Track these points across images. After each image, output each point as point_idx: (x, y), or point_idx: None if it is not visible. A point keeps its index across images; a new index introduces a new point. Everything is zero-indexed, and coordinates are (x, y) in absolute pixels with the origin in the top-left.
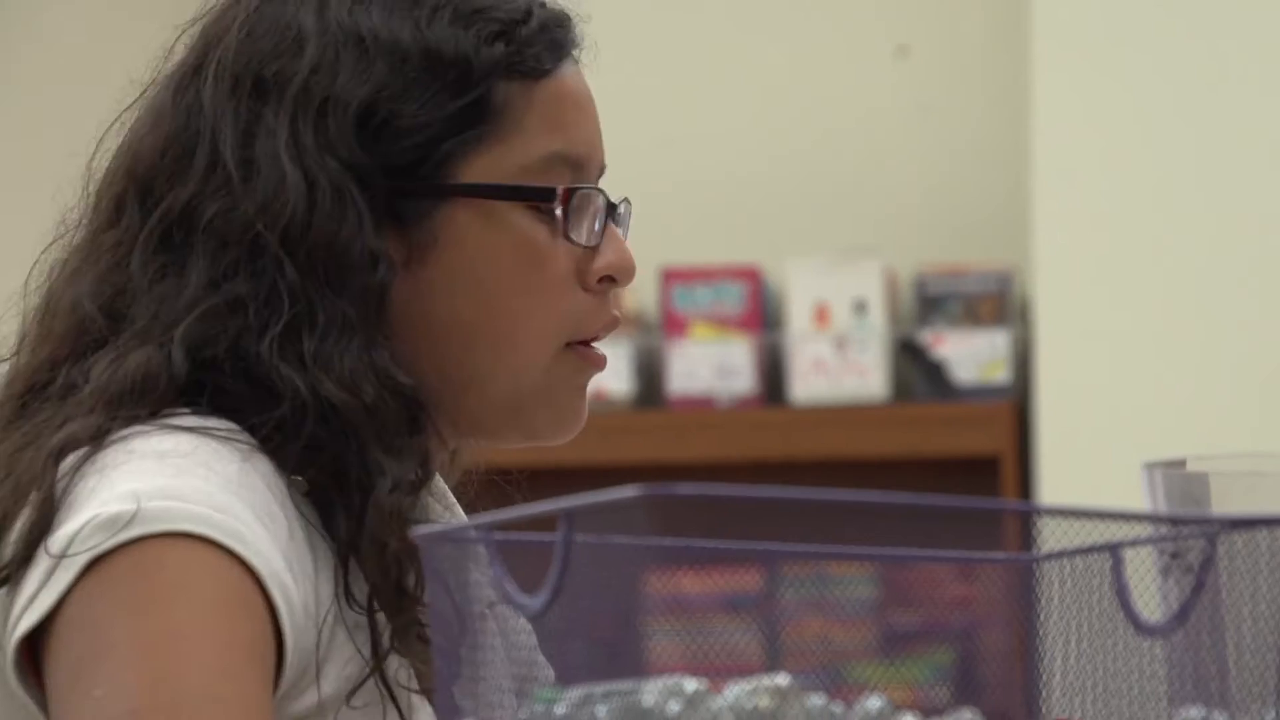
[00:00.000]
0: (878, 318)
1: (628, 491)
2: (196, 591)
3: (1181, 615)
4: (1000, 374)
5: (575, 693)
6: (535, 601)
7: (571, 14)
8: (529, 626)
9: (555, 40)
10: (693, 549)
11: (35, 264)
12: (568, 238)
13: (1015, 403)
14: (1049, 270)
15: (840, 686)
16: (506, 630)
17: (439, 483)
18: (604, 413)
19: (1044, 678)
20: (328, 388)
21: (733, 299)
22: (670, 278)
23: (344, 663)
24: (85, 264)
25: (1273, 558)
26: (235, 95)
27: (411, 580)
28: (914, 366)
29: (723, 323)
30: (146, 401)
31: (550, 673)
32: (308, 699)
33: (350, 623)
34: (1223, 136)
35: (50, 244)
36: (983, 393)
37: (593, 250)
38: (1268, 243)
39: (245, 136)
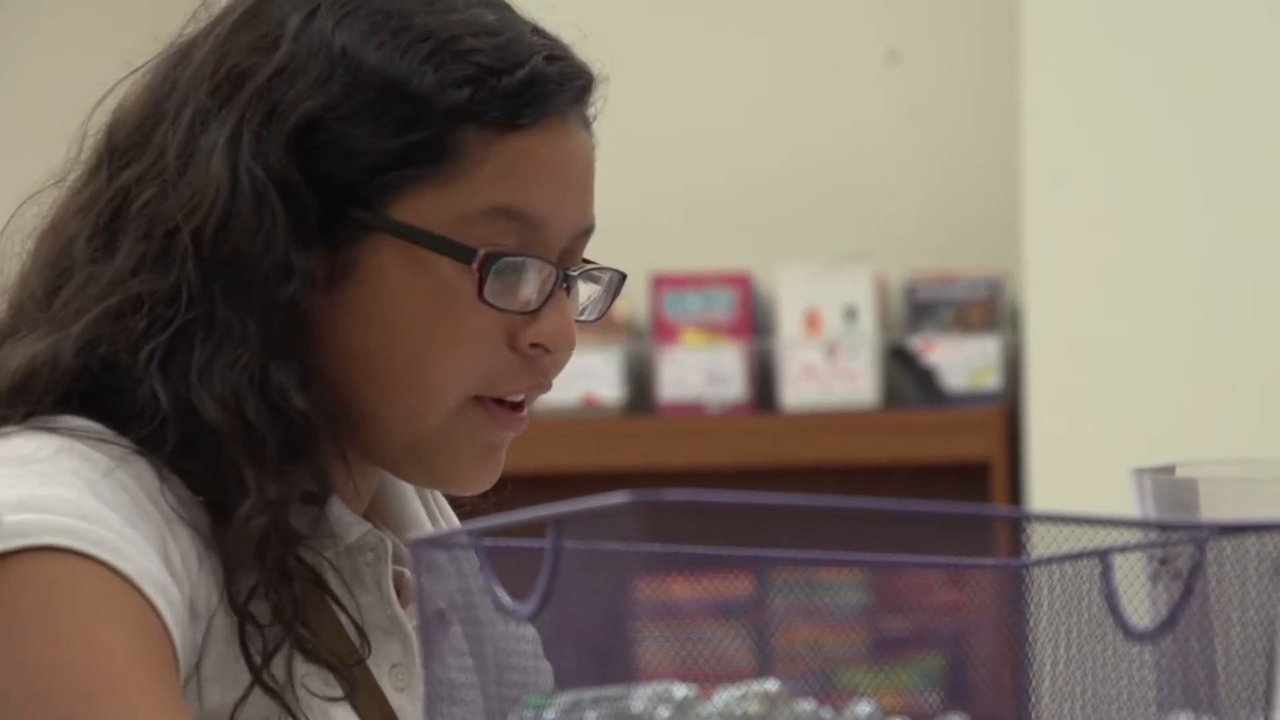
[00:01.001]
0: (868, 324)
1: (617, 497)
2: (66, 612)
3: (1170, 621)
4: (990, 380)
5: (565, 698)
6: (525, 607)
7: (584, 72)
8: (530, 634)
9: (542, 96)
10: (683, 555)
11: (14, 215)
12: (485, 300)
13: (1005, 409)
14: (1039, 276)
15: (830, 692)
16: (489, 637)
17: (399, 498)
18: (594, 419)
19: (1033, 683)
20: (204, 404)
21: (723, 305)
22: (661, 284)
23: (235, 673)
24: (52, 227)
25: (1261, 564)
26: (206, 81)
27: (286, 601)
28: (904, 373)
29: (713, 329)
30: (25, 400)
31: (550, 680)
32: (190, 707)
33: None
34: (1215, 141)
35: (33, 195)
36: (973, 399)
37: (532, 315)
38: (1260, 248)
39: (196, 126)
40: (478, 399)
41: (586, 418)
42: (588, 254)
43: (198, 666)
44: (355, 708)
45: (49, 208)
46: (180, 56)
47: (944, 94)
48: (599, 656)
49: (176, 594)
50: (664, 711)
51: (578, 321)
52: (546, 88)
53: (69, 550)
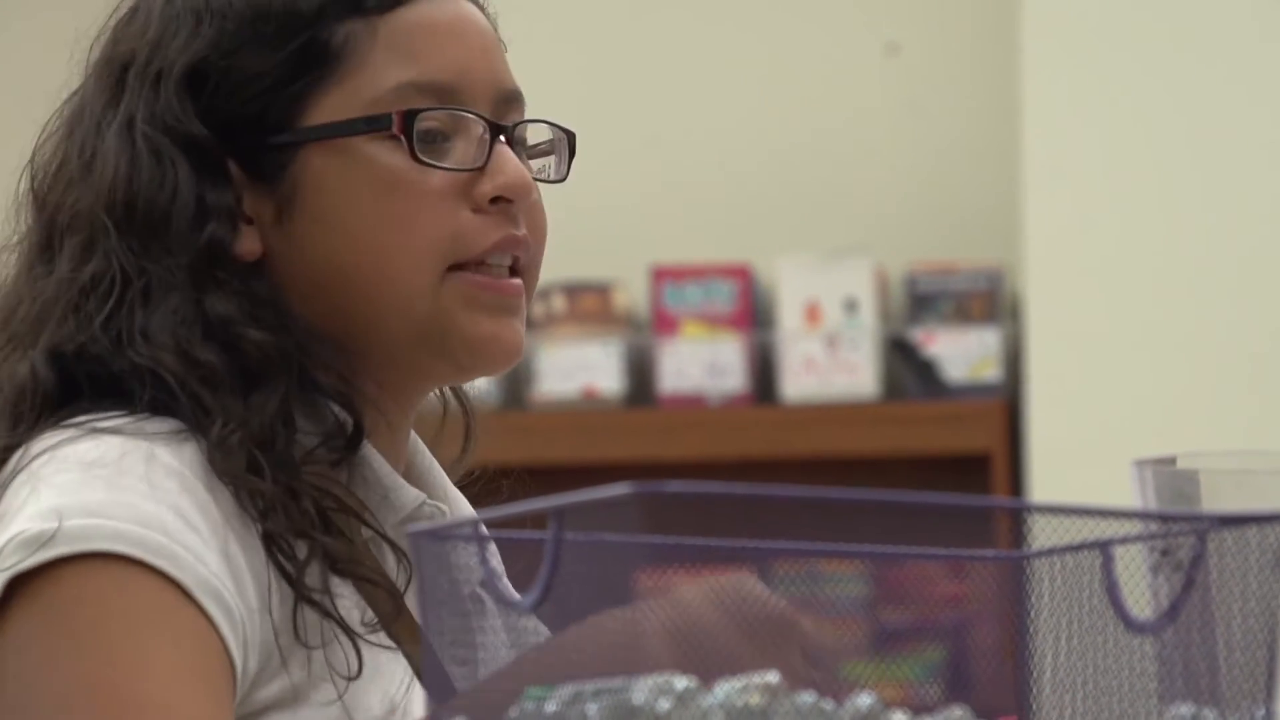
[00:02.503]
0: (868, 316)
1: (618, 489)
2: (119, 622)
3: (1172, 612)
4: (991, 372)
5: (566, 690)
6: (526, 600)
7: None
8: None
9: None
10: (683, 547)
11: None
12: (418, 160)
13: (1006, 401)
14: (1039, 268)
15: (832, 685)
16: (515, 628)
17: (425, 467)
18: (594, 411)
19: (1034, 675)
20: (160, 359)
21: (723, 297)
22: (661, 276)
23: (298, 656)
24: (10, 285)
25: (1262, 555)
26: (98, 90)
27: (297, 513)
28: (905, 365)
29: (713, 321)
30: (26, 417)
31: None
32: (272, 688)
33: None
34: (1214, 134)
35: None
36: (973, 391)
37: (478, 172)
38: (1259, 240)
39: (97, 127)
40: (458, 269)
41: (587, 410)
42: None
43: (279, 652)
44: (392, 635)
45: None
46: (79, 96)
47: (943, 86)
48: None
49: (235, 599)
50: (665, 703)
51: (541, 181)
52: None
53: (127, 558)
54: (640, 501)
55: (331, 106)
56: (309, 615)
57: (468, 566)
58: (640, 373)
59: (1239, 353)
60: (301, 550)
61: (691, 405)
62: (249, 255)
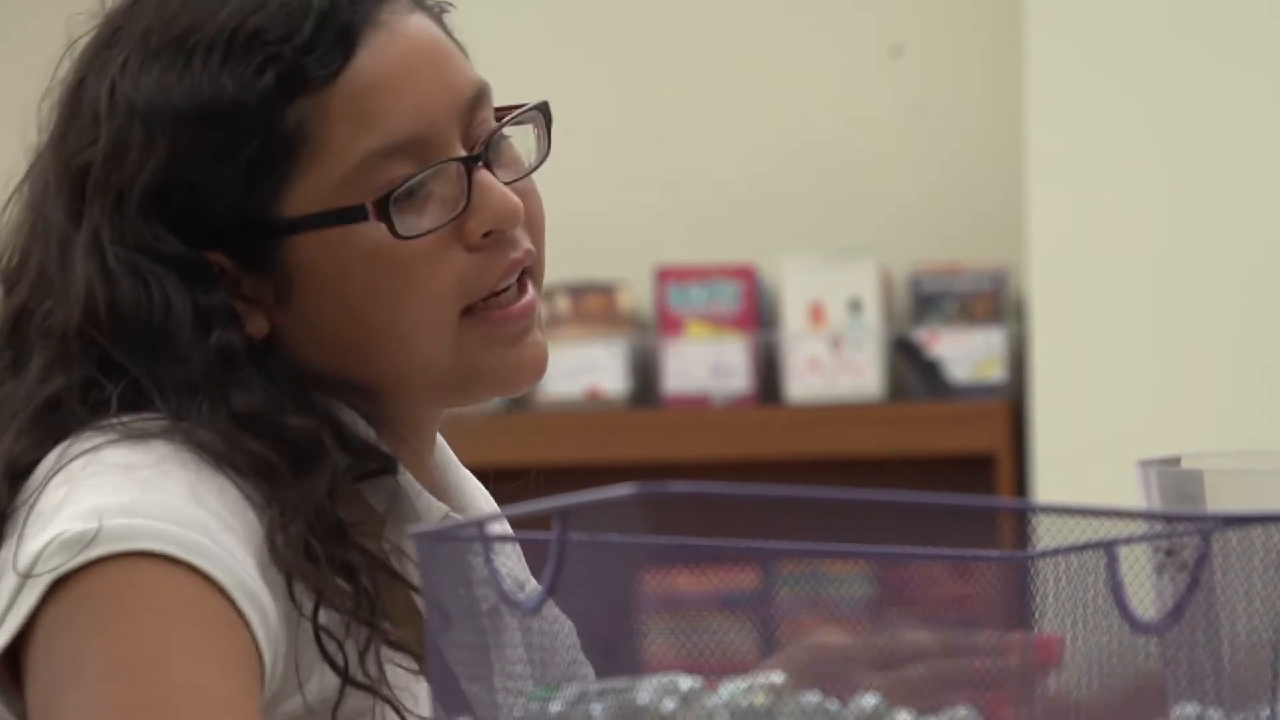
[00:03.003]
0: (873, 316)
1: (622, 490)
2: (158, 612)
3: (1176, 613)
4: (995, 372)
5: (570, 690)
6: (530, 601)
7: None
8: (570, 627)
9: (343, 28)
10: (688, 547)
11: None
12: (402, 237)
13: (1010, 401)
14: (1044, 268)
15: (836, 684)
16: (533, 630)
17: (456, 479)
18: (599, 412)
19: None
20: (203, 438)
21: (728, 298)
22: (665, 277)
23: (324, 668)
24: None
25: (1267, 555)
26: (58, 190)
27: (359, 596)
28: (909, 365)
29: (718, 322)
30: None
31: (590, 670)
32: (293, 702)
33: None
34: (1219, 134)
35: None
36: (978, 391)
37: (467, 210)
38: (1264, 241)
39: (62, 238)
40: (469, 312)
41: (591, 410)
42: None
43: (296, 670)
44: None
45: None
46: (35, 167)
47: (947, 87)
48: (604, 649)
49: (270, 604)
50: (669, 703)
51: (533, 171)
52: (340, 16)
53: (166, 556)
54: (644, 502)
55: (304, 194)
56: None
57: (485, 579)
58: (645, 373)
59: (1244, 353)
60: (361, 636)
61: (696, 406)
62: (259, 333)
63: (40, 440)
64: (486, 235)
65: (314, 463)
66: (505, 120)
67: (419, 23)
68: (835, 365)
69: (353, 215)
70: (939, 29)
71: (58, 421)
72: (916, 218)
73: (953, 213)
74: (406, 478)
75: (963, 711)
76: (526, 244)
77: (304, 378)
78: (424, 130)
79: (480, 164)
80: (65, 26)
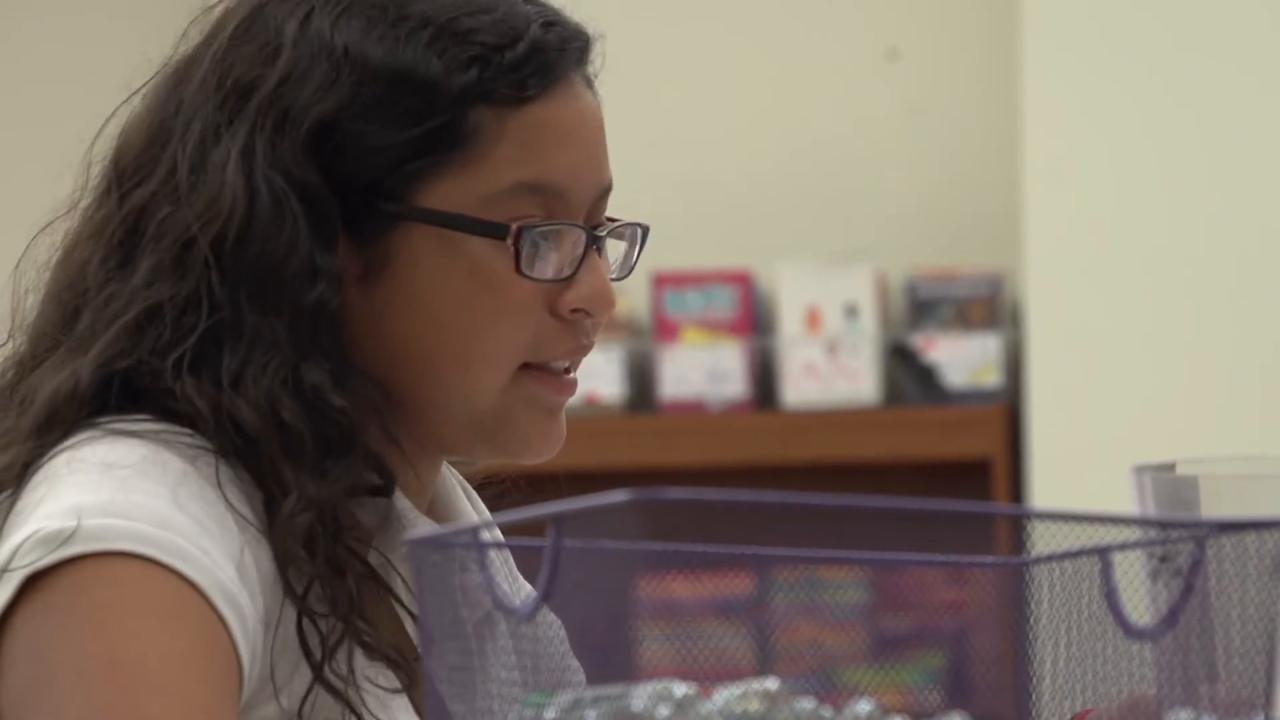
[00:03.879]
0: (869, 322)
1: (617, 496)
2: (133, 612)
3: (1170, 618)
4: (991, 378)
5: (565, 697)
6: (524, 607)
7: (581, 33)
8: (561, 633)
9: (546, 65)
10: (683, 553)
11: (28, 247)
12: (522, 274)
13: (1006, 406)
14: (1040, 274)
15: (832, 691)
16: (523, 635)
17: (449, 493)
18: (595, 417)
19: (1034, 681)
20: (239, 407)
21: (724, 303)
22: (661, 282)
23: (304, 676)
24: (65, 255)
25: (1261, 561)
26: (212, 96)
27: (342, 593)
28: (905, 370)
29: (714, 327)
30: (56, 430)
31: (582, 676)
32: (269, 709)
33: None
34: (1215, 138)
35: (45, 226)
36: (974, 396)
37: (568, 281)
38: (1261, 246)
39: (208, 140)
40: (526, 368)
41: (587, 416)
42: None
43: (272, 675)
44: (414, 702)
45: (61, 239)
46: (180, 76)
47: (944, 91)
48: (599, 655)
49: (248, 607)
50: (664, 710)
51: (618, 280)
52: (548, 55)
53: (144, 557)
54: (640, 508)
55: (446, 191)
56: (320, 694)
57: (475, 588)
58: (641, 379)
59: (1240, 358)
60: (336, 631)
61: (692, 411)
62: (351, 314)
63: (136, 345)
64: (575, 311)
65: (344, 452)
66: (622, 223)
67: (593, 100)
68: (831, 370)
69: (492, 230)
70: (936, 32)
71: (155, 334)
72: (913, 223)
73: (949, 217)
74: (403, 502)
75: (956, 717)
76: (594, 338)
77: (357, 368)
78: (570, 188)
79: (598, 246)
80: None
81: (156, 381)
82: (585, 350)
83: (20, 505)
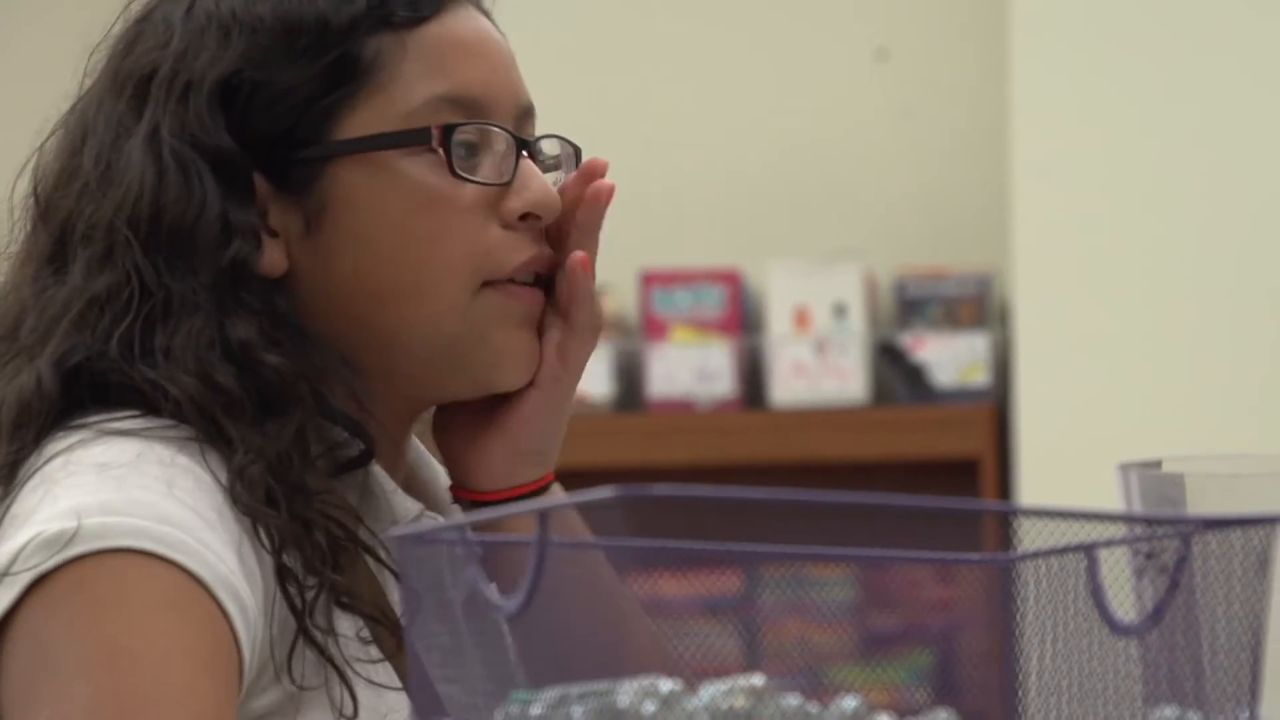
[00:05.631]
0: (857, 321)
1: (604, 492)
2: (136, 605)
3: (1156, 615)
4: (980, 377)
5: (551, 693)
6: (511, 603)
7: None
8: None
9: None
10: (670, 550)
11: None
12: (457, 175)
13: (994, 405)
14: (1028, 273)
15: (819, 689)
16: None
17: (430, 475)
18: (584, 416)
19: (1020, 678)
20: (179, 380)
21: (712, 302)
22: (650, 281)
23: (299, 659)
24: (1, 294)
25: (1246, 558)
26: (115, 99)
27: (310, 547)
28: (894, 369)
29: (703, 326)
30: (31, 426)
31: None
32: (270, 694)
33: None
34: (1203, 138)
35: None
36: (962, 395)
37: (506, 188)
38: (1249, 245)
39: (118, 136)
40: (490, 285)
41: (576, 415)
42: None
43: (273, 655)
44: (397, 669)
45: None
46: (84, 104)
47: (933, 91)
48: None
49: (249, 597)
50: (650, 706)
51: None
52: None
53: (145, 552)
54: (626, 505)
55: (363, 120)
56: (308, 653)
57: (459, 574)
58: (629, 378)
59: (1227, 357)
60: (310, 586)
61: (681, 410)
62: (274, 271)
63: (90, 338)
64: (523, 218)
65: (282, 406)
66: (550, 135)
67: (494, 26)
68: (820, 369)
69: (415, 138)
70: (925, 33)
71: (101, 324)
72: (901, 222)
73: (938, 217)
74: (379, 474)
75: (943, 714)
76: (549, 250)
77: (307, 327)
78: (486, 96)
79: (526, 152)
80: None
81: (114, 370)
82: (544, 261)
83: (16, 509)
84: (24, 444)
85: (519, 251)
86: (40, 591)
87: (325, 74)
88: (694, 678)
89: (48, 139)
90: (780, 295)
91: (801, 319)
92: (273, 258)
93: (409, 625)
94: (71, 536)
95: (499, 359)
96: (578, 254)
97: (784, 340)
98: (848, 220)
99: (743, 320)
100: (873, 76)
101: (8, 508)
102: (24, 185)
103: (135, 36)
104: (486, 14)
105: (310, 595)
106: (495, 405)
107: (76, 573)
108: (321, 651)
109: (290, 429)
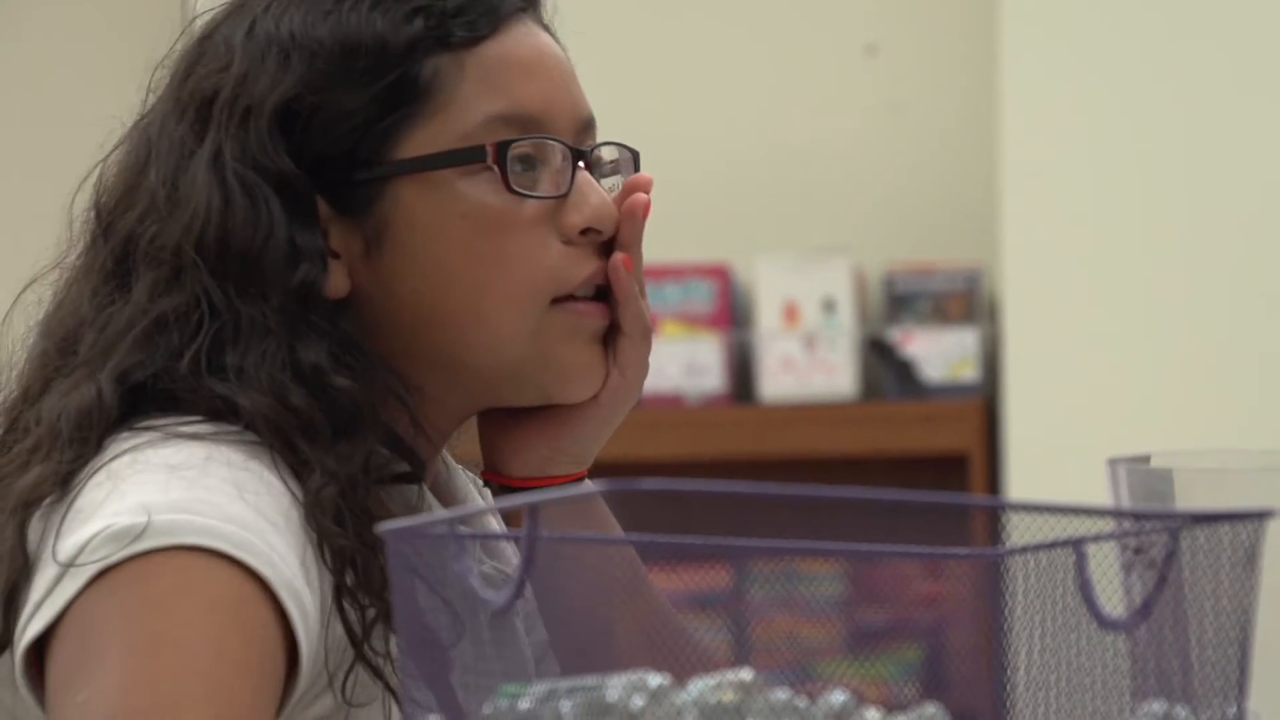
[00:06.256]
0: (846, 316)
1: (592, 486)
2: (190, 599)
3: (1144, 610)
4: (969, 372)
5: (540, 687)
6: (500, 597)
7: None
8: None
9: (491, 6)
10: (659, 545)
11: (15, 301)
12: (513, 191)
13: (983, 401)
14: (1017, 268)
15: (808, 683)
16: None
17: (459, 480)
18: None
19: (1009, 673)
20: (254, 400)
21: (702, 297)
22: None
23: (349, 656)
24: (56, 305)
25: (1235, 553)
26: (178, 120)
27: (374, 571)
28: (883, 365)
29: (692, 321)
30: (92, 438)
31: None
32: (322, 702)
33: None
34: (1193, 134)
35: (31, 281)
36: (951, 391)
37: (564, 200)
38: (1236, 240)
39: (181, 160)
40: (555, 303)
41: None
42: None
43: (326, 665)
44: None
45: (50, 294)
46: (147, 122)
47: (922, 87)
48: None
49: (310, 603)
50: (639, 700)
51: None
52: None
53: (213, 551)
54: (615, 499)
55: (421, 141)
56: (361, 674)
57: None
58: None
59: (1216, 353)
60: (367, 605)
61: (669, 405)
62: (338, 292)
63: (151, 358)
64: (584, 233)
65: (352, 429)
66: (610, 142)
67: (552, 40)
68: (809, 365)
69: (470, 155)
70: (914, 28)
71: (165, 343)
72: (891, 217)
73: (927, 213)
74: (428, 494)
75: (931, 709)
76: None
77: (371, 348)
78: (544, 113)
79: (583, 163)
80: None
81: (183, 386)
82: (602, 274)
83: (82, 503)
84: (81, 454)
85: (581, 267)
86: (102, 582)
87: (384, 96)
88: (684, 673)
89: (111, 153)
90: (769, 290)
91: (790, 314)
92: (337, 280)
93: (398, 618)
94: (141, 531)
95: (567, 375)
96: (618, 255)
97: (773, 335)
98: (837, 215)
99: (732, 315)
100: (862, 72)
101: (70, 502)
102: (88, 200)
103: (197, 57)
104: (546, 27)
105: (370, 618)
106: (551, 408)
107: (142, 567)
108: (378, 674)
109: (361, 452)
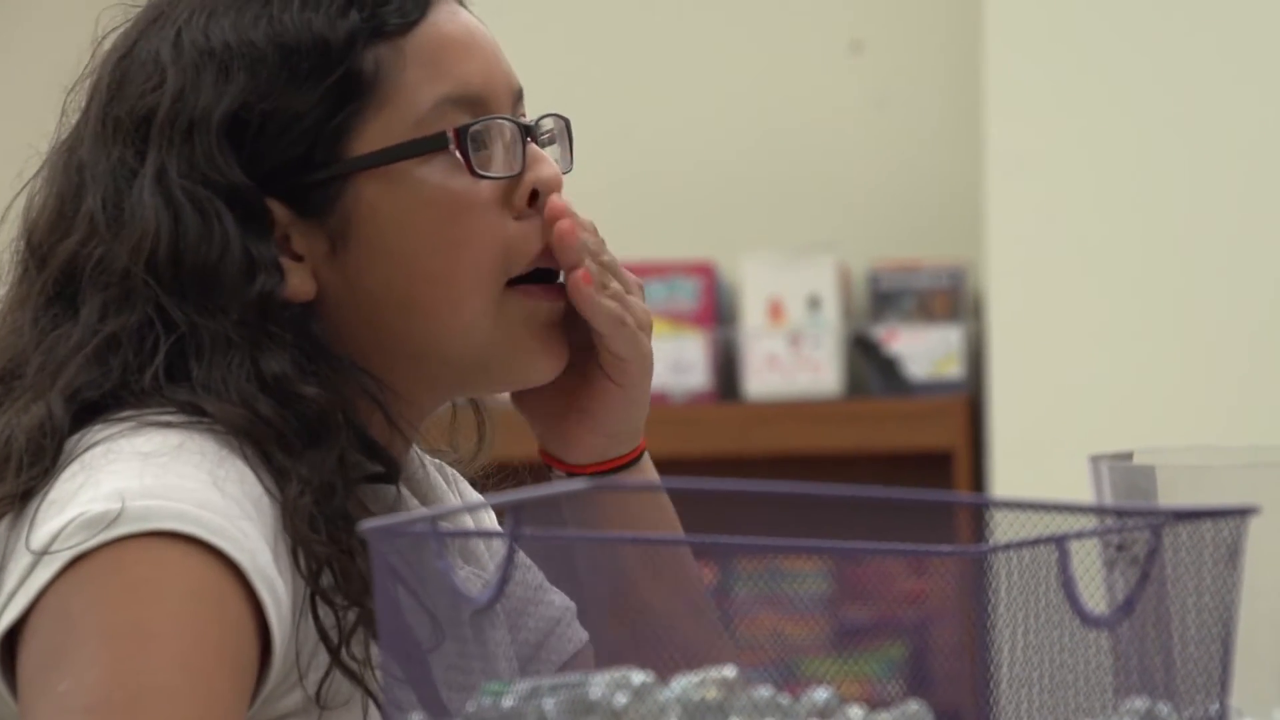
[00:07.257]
0: (831, 313)
1: (576, 484)
2: (168, 587)
3: (1127, 607)
4: (953, 369)
5: (523, 685)
6: (483, 595)
7: None
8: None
9: None
10: (644, 541)
11: None
12: (477, 174)
13: (968, 398)
14: (1002, 266)
15: (792, 681)
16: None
17: (433, 477)
18: None
19: (992, 670)
20: (223, 409)
21: (687, 295)
22: None
23: (322, 656)
24: None
25: (1217, 549)
26: (112, 142)
27: (353, 576)
28: (867, 362)
29: (677, 318)
30: (44, 459)
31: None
32: (293, 696)
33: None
34: (1178, 132)
35: None
36: (936, 388)
37: (518, 178)
38: (1219, 237)
39: (120, 180)
40: (511, 285)
41: None
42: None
43: (297, 660)
44: None
45: None
46: (71, 146)
47: (907, 84)
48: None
49: (283, 591)
50: (621, 698)
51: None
52: None
53: (188, 537)
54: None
55: (374, 134)
56: (336, 675)
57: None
58: None
59: (1200, 350)
60: (349, 617)
61: (655, 402)
62: (303, 295)
63: (104, 376)
64: (532, 200)
65: (324, 438)
66: (546, 115)
67: (473, 15)
68: (794, 362)
69: (432, 144)
70: (899, 25)
71: (120, 361)
72: (875, 215)
73: (911, 210)
74: (405, 494)
75: (914, 706)
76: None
77: (339, 350)
78: (489, 91)
79: (531, 137)
80: (95, 21)
81: (143, 399)
82: (548, 250)
83: (54, 495)
84: (36, 476)
85: (532, 241)
86: (76, 570)
87: (331, 94)
88: (669, 670)
89: (30, 181)
90: (754, 287)
91: (775, 311)
92: (300, 283)
93: (380, 618)
94: (115, 518)
95: (531, 360)
96: (577, 272)
97: (758, 333)
98: (822, 212)
99: (716, 313)
100: (847, 68)
101: (44, 494)
102: (15, 232)
103: (122, 76)
104: (464, 5)
105: (348, 624)
106: (575, 385)
107: (116, 553)
108: (359, 682)
109: (332, 458)
